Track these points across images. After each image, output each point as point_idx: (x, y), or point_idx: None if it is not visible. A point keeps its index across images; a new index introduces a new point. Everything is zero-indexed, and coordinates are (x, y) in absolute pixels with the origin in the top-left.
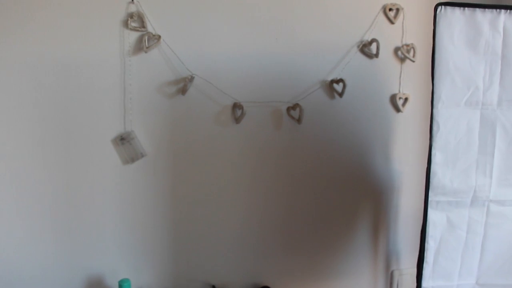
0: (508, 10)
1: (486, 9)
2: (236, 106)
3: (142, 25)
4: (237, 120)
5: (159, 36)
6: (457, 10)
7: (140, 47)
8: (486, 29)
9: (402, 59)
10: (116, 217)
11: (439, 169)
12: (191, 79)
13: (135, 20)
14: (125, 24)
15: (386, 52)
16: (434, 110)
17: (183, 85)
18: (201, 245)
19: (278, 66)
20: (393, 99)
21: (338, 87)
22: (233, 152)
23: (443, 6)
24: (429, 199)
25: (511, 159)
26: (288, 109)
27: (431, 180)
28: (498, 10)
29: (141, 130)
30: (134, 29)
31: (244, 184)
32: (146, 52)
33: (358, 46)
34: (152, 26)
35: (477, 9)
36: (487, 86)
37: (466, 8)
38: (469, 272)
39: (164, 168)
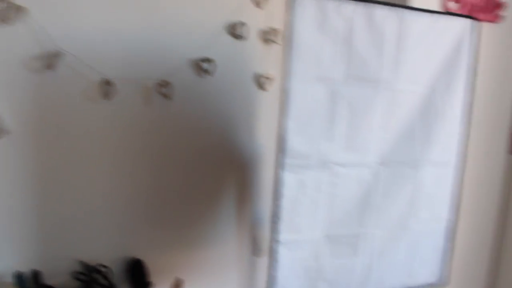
0: None
1: None
2: (105, 82)
3: None
4: (107, 96)
5: (23, 7)
6: None
7: (1, 18)
8: (333, 15)
9: (268, 41)
10: None
11: (291, 135)
12: (59, 54)
13: None
14: None
15: (253, 34)
16: (287, 85)
17: (50, 60)
18: (69, 223)
19: (148, 43)
20: (258, 78)
21: (206, 65)
22: (102, 128)
23: None
24: (281, 161)
25: (352, 128)
26: (158, 85)
27: (283, 145)
28: None
29: (5, 106)
30: None
31: (114, 160)
32: (8, 24)
33: (226, 28)
34: None
35: None
36: (333, 64)
37: None
38: (317, 226)
39: (29, 146)
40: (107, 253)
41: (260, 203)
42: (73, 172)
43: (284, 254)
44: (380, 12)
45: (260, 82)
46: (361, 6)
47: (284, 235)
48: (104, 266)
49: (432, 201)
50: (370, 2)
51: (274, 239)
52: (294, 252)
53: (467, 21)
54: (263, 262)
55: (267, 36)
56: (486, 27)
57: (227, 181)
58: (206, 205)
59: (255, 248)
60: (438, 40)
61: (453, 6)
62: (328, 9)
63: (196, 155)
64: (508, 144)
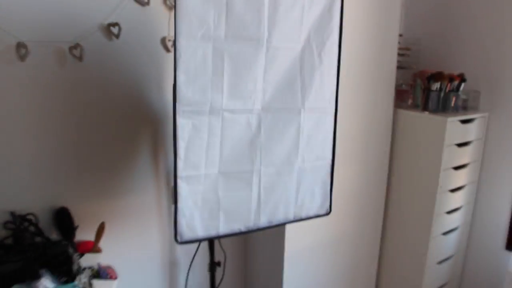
0: None
1: None
2: (20, 45)
3: None
4: (22, 58)
5: None
6: None
7: None
8: None
9: (170, 7)
10: None
11: (183, 86)
12: None
13: None
14: None
15: (156, 1)
16: (177, 43)
17: None
18: None
19: (60, 7)
20: (163, 41)
21: (115, 29)
22: (19, 90)
23: None
24: (177, 109)
25: (237, 80)
26: (71, 48)
27: (177, 94)
28: None
29: None
30: None
31: (36, 117)
32: None
33: None
34: None
35: None
36: (216, 25)
37: None
38: (212, 164)
39: None
40: (35, 203)
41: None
42: None
43: (185, 188)
44: None
45: (165, 44)
46: None
47: (184, 171)
48: (33, 215)
49: (314, 142)
50: None
51: (176, 176)
52: (193, 186)
53: None
54: None
55: (169, 2)
56: None
57: (141, 134)
58: (124, 156)
59: (171, 195)
60: None
61: None
62: None
63: (111, 112)
64: (394, 98)
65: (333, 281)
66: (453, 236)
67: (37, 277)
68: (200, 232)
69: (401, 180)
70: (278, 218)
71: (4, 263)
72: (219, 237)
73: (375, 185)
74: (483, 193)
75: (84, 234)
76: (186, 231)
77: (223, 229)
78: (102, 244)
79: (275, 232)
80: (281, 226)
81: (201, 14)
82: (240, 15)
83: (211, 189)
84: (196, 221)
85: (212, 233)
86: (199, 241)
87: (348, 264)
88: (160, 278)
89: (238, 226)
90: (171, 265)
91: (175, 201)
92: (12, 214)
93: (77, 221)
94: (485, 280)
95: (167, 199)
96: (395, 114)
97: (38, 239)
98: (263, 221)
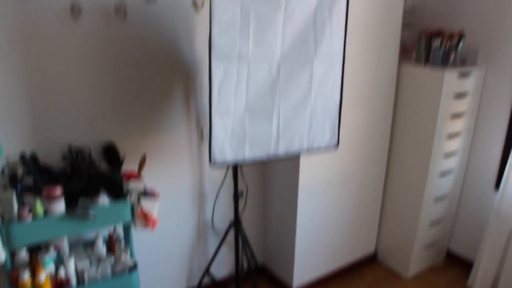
0: None
1: None
2: (74, 6)
3: None
4: (76, 18)
5: None
6: None
7: None
8: None
9: None
10: None
11: (216, 36)
12: None
13: None
14: None
15: None
16: (211, 4)
17: None
18: (57, 115)
19: None
20: (194, 3)
21: None
22: (75, 47)
23: None
24: (212, 55)
25: (258, 33)
26: (115, 9)
27: (212, 43)
28: None
29: None
30: None
31: (87, 67)
32: None
33: None
34: None
35: None
36: None
37: None
38: (240, 101)
39: (18, 59)
40: (88, 138)
41: (202, 98)
42: (56, 77)
43: (218, 121)
44: None
45: (196, 5)
46: None
47: (217, 107)
48: (87, 148)
49: (325, 86)
50: None
51: (210, 110)
52: (224, 119)
53: None
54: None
55: None
56: None
57: (175, 83)
58: (161, 101)
59: (201, 134)
60: None
61: None
62: None
63: (151, 64)
64: (399, 54)
65: (343, 212)
66: (449, 177)
67: (97, 194)
68: (229, 157)
69: (404, 126)
70: (294, 148)
71: (71, 184)
72: (244, 163)
73: (380, 129)
74: (478, 139)
75: (128, 165)
76: (218, 156)
77: (248, 155)
78: (144, 174)
79: (291, 168)
80: (296, 156)
81: None
82: None
83: (239, 122)
84: (226, 147)
85: (239, 158)
86: (228, 165)
87: (355, 199)
88: (191, 206)
89: (261, 153)
90: (200, 196)
91: (210, 131)
92: (69, 146)
93: (122, 154)
94: (476, 216)
95: (197, 139)
96: (399, 68)
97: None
98: (281, 151)
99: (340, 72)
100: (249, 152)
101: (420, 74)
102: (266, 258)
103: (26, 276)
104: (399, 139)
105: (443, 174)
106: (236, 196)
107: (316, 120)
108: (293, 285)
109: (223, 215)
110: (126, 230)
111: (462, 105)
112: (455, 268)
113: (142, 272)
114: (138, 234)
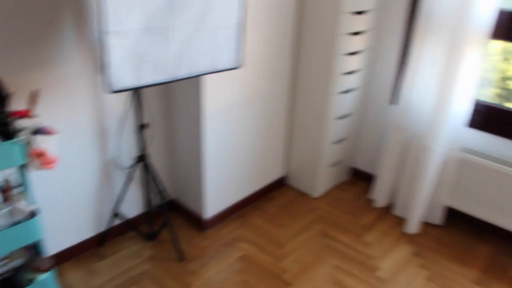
0: None
1: None
2: None
3: None
4: None
5: None
6: None
7: None
8: None
9: None
10: None
11: None
12: None
13: None
14: None
15: None
16: None
17: None
18: None
19: None
20: None
21: None
22: None
23: None
24: None
25: None
26: None
27: None
28: None
29: None
30: None
31: None
32: None
33: None
34: None
35: None
36: None
37: None
38: (137, 20)
39: None
40: None
41: (96, 21)
42: None
43: (113, 43)
44: None
45: None
46: None
47: (111, 27)
48: None
49: (224, 4)
50: None
51: (104, 32)
52: (120, 40)
53: None
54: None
55: None
56: None
57: (64, 11)
58: (48, 30)
59: (95, 66)
60: None
61: None
62: None
63: None
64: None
65: (250, 138)
66: (351, 95)
67: None
68: (128, 82)
69: (308, 45)
70: (198, 69)
71: None
72: (145, 86)
73: (285, 49)
74: (378, 58)
75: (20, 104)
76: (115, 80)
77: (148, 79)
78: (37, 112)
79: (194, 94)
80: (199, 81)
81: None
82: None
83: (136, 43)
84: (123, 71)
85: (139, 82)
86: (127, 90)
87: (263, 123)
88: (92, 144)
89: (162, 76)
90: (102, 132)
91: (103, 56)
92: None
93: (11, 90)
94: (377, 132)
95: (92, 69)
96: None
97: None
98: (183, 72)
99: None
100: (149, 76)
101: None
102: (177, 192)
103: None
104: (304, 59)
105: (345, 92)
106: (141, 127)
107: (219, 40)
108: (206, 216)
109: (129, 152)
110: (22, 174)
111: (362, 23)
112: (360, 183)
113: (46, 221)
114: (39, 181)
